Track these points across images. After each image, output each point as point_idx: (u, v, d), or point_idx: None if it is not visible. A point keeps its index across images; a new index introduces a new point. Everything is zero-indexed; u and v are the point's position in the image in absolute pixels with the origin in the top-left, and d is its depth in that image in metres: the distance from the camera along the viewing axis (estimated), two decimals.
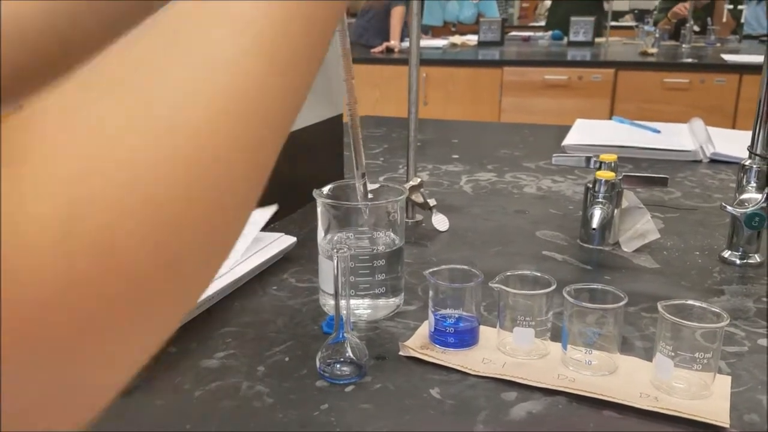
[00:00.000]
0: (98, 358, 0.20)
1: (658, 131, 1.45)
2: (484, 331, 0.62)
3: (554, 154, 0.86)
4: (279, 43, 0.22)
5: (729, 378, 0.55)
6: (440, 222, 0.93)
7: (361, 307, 0.66)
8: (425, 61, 2.76)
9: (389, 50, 3.63)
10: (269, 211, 0.83)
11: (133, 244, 0.19)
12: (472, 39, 3.99)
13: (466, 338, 0.61)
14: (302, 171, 0.96)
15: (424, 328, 0.63)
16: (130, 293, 0.19)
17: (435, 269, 0.62)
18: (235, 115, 0.21)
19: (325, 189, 0.68)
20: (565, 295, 0.56)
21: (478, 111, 3.21)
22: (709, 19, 4.26)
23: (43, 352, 0.18)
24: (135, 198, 0.18)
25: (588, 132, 1.45)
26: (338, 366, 0.56)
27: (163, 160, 0.19)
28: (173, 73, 0.20)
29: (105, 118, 0.19)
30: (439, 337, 0.60)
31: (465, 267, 0.63)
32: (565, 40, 3.94)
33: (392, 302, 0.68)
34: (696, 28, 4.06)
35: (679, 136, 1.41)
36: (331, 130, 1.09)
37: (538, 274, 0.60)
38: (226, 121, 0.21)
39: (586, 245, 0.85)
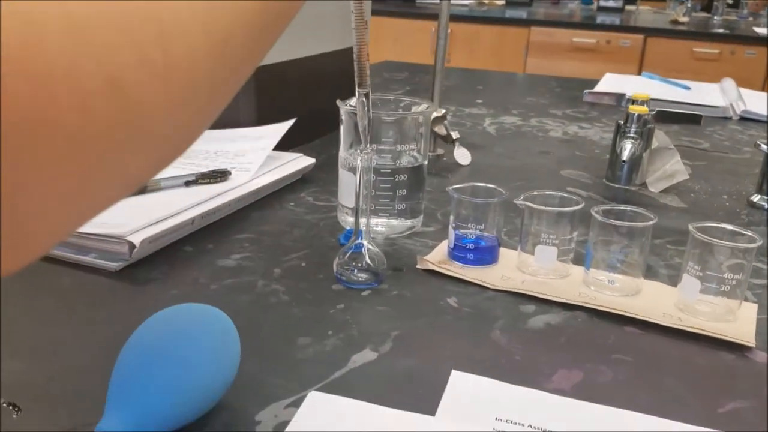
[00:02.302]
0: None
1: (689, 88, 1.41)
2: (504, 253, 0.61)
3: (586, 90, 0.83)
4: None
5: (755, 305, 0.54)
6: (462, 156, 0.91)
7: (380, 225, 0.65)
8: (450, 17, 2.70)
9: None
10: (287, 124, 0.82)
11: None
12: None
13: (485, 257, 0.59)
14: (321, 99, 0.94)
15: (443, 246, 0.62)
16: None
17: (458, 185, 0.60)
18: None
19: (351, 100, 0.66)
20: (594, 213, 0.55)
21: (502, 70, 3.15)
22: None
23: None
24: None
25: (617, 84, 1.42)
26: (356, 272, 0.55)
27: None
28: None
29: None
30: (458, 253, 0.59)
31: (489, 185, 0.61)
32: (595, 4, 3.85)
33: (410, 223, 0.67)
34: (729, 0, 3.95)
35: (709, 94, 1.37)
36: (351, 59, 1.06)
37: (565, 195, 0.59)
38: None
39: (612, 184, 0.83)
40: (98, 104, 0.18)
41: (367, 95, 0.53)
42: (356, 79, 0.53)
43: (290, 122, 0.82)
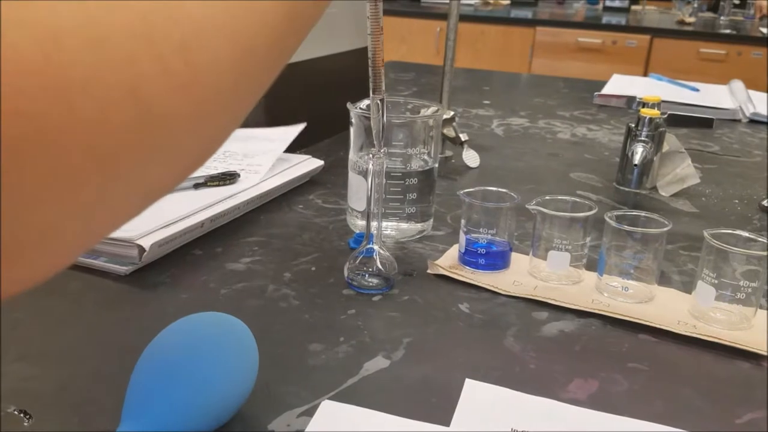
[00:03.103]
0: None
1: (697, 90, 1.40)
2: (516, 258, 0.60)
3: (596, 93, 0.83)
4: None
5: None
6: (471, 158, 0.91)
7: (390, 228, 0.65)
8: None
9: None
10: (297, 128, 0.81)
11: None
12: None
13: (497, 261, 0.59)
14: (331, 100, 0.93)
15: (454, 250, 0.62)
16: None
17: (470, 190, 0.60)
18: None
19: (362, 103, 0.66)
20: (607, 219, 0.54)
21: (507, 71, 3.14)
22: None
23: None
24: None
25: (625, 85, 1.41)
26: (367, 277, 0.55)
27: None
28: None
29: None
30: (469, 258, 0.59)
31: (501, 189, 0.61)
32: (601, 4, 3.84)
33: (420, 226, 0.66)
34: (736, 1, 3.94)
35: (718, 96, 1.37)
36: (362, 60, 1.06)
37: (578, 200, 0.58)
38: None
39: (622, 188, 0.82)
40: (118, 116, 0.18)
41: (381, 100, 0.53)
42: (371, 84, 0.53)
43: (300, 126, 0.82)
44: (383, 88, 0.53)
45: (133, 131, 0.19)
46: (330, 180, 0.81)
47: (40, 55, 0.16)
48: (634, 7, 3.75)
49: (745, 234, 0.52)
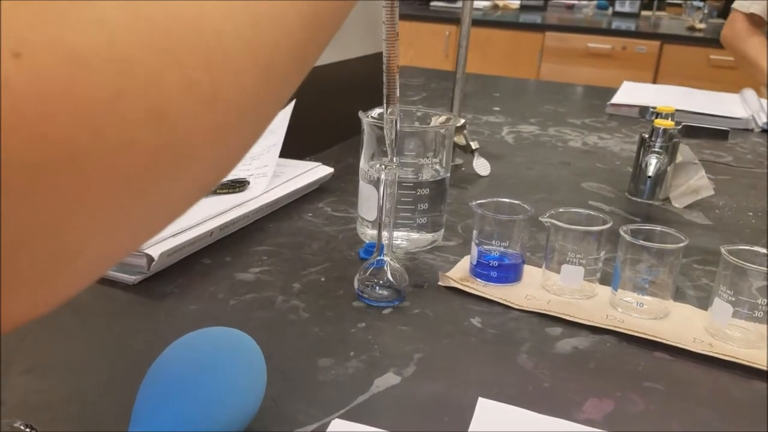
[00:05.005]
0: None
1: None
2: (529, 270, 0.59)
3: (609, 102, 0.82)
4: None
5: None
6: (482, 166, 0.90)
7: (400, 239, 0.64)
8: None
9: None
10: (287, 110, 0.79)
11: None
12: (514, 2, 3.89)
13: (509, 274, 0.58)
14: (341, 105, 0.93)
15: (465, 262, 0.61)
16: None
17: (482, 201, 0.59)
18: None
19: (373, 112, 0.65)
20: (622, 233, 0.53)
21: (516, 75, 3.13)
22: None
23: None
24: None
25: (636, 93, 1.40)
26: (377, 289, 0.54)
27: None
28: None
29: None
30: (481, 270, 0.58)
31: (513, 201, 0.60)
32: (610, 10, 3.83)
33: (431, 237, 0.66)
34: None
35: (730, 104, 1.35)
36: (375, 66, 1.05)
37: (593, 213, 0.57)
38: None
39: (634, 198, 0.81)
40: (143, 135, 0.17)
41: (395, 109, 0.52)
42: (384, 91, 0.52)
43: (290, 106, 0.80)
44: (397, 94, 0.52)
45: (159, 150, 0.18)
46: (340, 187, 0.80)
47: (66, 77, 0.15)
48: (644, 13, 3.73)
49: (763, 250, 0.51)
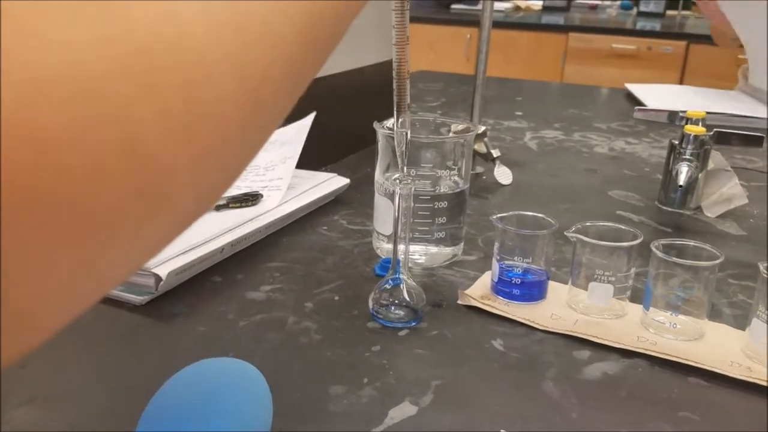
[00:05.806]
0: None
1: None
2: (553, 287, 0.56)
3: (636, 107, 0.79)
4: None
5: None
6: (503, 175, 0.87)
7: (418, 253, 0.61)
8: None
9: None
10: (307, 121, 0.77)
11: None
12: (536, 3, 3.85)
13: (533, 292, 0.55)
14: (358, 113, 0.90)
15: (486, 278, 0.58)
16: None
17: (503, 214, 0.56)
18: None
19: (388, 122, 0.62)
20: (654, 249, 0.50)
21: (539, 77, 3.09)
22: None
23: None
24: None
25: (663, 96, 1.35)
26: (393, 309, 0.52)
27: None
28: None
29: None
30: (503, 288, 0.55)
31: (537, 214, 0.57)
32: (634, 10, 3.77)
33: (450, 251, 0.63)
34: None
35: (760, 106, 1.31)
36: (388, 73, 1.03)
37: (622, 227, 0.54)
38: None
39: (664, 208, 0.78)
40: (112, 170, 0.15)
41: (407, 117, 0.49)
42: (395, 97, 0.49)
43: (310, 117, 0.78)
44: (408, 101, 0.49)
45: (130, 186, 0.16)
46: (356, 198, 0.78)
47: (23, 104, 0.13)
48: (669, 12, 3.66)
49: None
